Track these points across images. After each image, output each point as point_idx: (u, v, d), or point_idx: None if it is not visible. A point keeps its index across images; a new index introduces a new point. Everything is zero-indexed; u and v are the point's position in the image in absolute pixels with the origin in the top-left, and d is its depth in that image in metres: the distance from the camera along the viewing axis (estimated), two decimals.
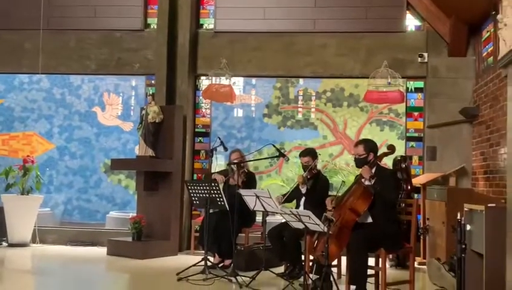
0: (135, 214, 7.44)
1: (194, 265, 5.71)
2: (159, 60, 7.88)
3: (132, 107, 10.02)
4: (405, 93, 7.64)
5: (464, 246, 4.36)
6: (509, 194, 3.98)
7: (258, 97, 9.38)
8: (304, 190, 5.78)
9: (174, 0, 7.95)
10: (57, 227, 8.77)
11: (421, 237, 6.68)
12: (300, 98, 9.14)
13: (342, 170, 8.74)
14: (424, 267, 6.26)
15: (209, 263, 5.68)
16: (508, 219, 3.91)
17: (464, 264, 4.36)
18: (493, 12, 5.51)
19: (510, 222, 3.86)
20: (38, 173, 8.14)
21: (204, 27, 8.28)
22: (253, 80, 9.21)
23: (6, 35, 8.43)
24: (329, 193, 5.86)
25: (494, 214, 4.13)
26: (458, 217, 4.44)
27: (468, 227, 4.43)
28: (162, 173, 7.34)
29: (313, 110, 9.18)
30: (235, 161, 6.22)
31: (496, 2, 4.89)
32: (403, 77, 7.50)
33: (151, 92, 7.93)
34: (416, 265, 6.02)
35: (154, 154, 7.38)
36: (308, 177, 5.76)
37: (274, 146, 5.94)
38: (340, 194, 5.04)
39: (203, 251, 5.82)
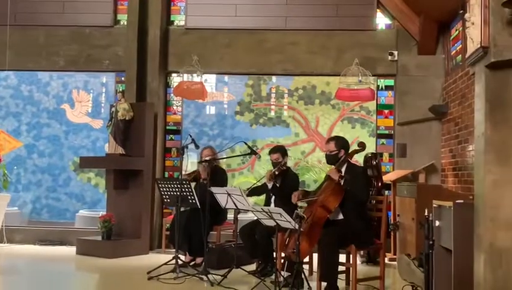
0: (105, 213, 7.33)
1: (165, 264, 5.65)
2: (129, 57, 7.79)
3: (102, 105, 9.89)
4: (376, 91, 7.70)
5: (431, 242, 4.41)
6: (476, 190, 4.04)
7: (230, 94, 9.35)
8: (270, 186, 5.75)
9: None
10: (25, 226, 8.62)
11: (392, 233, 6.75)
12: (272, 95, 9.15)
13: (314, 167, 8.78)
14: (395, 263, 6.33)
15: (180, 262, 5.63)
16: (476, 214, 3.97)
17: (431, 260, 4.41)
18: (461, 11, 5.60)
19: (477, 217, 3.92)
20: (6, 172, 7.95)
21: (175, 24, 8.20)
22: (226, 77, 9.18)
23: None
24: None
25: (462, 210, 4.18)
26: (426, 214, 4.49)
27: (437, 223, 4.49)
28: (132, 171, 7.26)
29: (285, 107, 9.20)
30: (206, 158, 6.19)
31: (464, 0, 4.95)
32: (373, 75, 7.55)
33: (121, 89, 7.84)
34: (386, 261, 6.08)
35: (124, 152, 7.29)
36: (277, 173, 5.75)
37: (246, 143, 5.93)
38: (308, 189, 5.05)
39: (174, 249, 5.76)
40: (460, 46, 6.71)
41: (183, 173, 5.96)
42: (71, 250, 7.23)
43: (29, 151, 9.77)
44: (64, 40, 8.17)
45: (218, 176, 6.33)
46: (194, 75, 7.79)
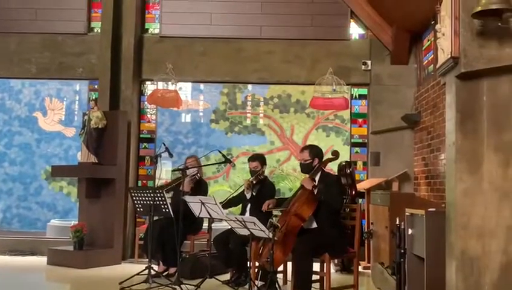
0: (77, 222, 7.22)
1: (138, 274, 5.57)
2: (103, 65, 7.71)
3: (75, 113, 9.77)
4: (350, 100, 7.77)
5: (402, 250, 4.44)
6: (448, 198, 4.09)
7: (205, 103, 9.33)
8: (248, 196, 5.74)
9: (118, 4, 7.79)
10: None
11: (366, 242, 6.78)
12: (248, 103, 9.15)
13: (289, 176, 8.80)
14: (369, 271, 6.36)
15: (153, 272, 5.56)
16: (447, 222, 4.00)
17: (403, 269, 4.44)
18: (432, 22, 5.68)
19: (449, 225, 3.96)
20: None
21: (149, 32, 8.15)
22: (201, 86, 9.15)
23: None
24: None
25: (434, 218, 4.21)
26: (397, 222, 4.52)
27: (409, 231, 4.52)
28: (105, 179, 7.17)
29: (260, 116, 9.21)
30: (188, 167, 6.12)
31: (435, 12, 5.03)
32: (347, 84, 7.62)
33: (94, 97, 7.75)
34: (360, 269, 6.11)
35: (97, 161, 7.20)
36: (254, 182, 5.74)
37: (220, 152, 5.89)
38: (283, 197, 5.05)
39: (147, 259, 5.70)
40: (432, 56, 6.81)
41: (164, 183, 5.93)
42: (42, 260, 7.09)
43: (0, 159, 9.58)
44: (37, 47, 8.05)
45: (201, 189, 6.29)
46: (169, 83, 7.74)
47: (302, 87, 8.61)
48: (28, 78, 8.67)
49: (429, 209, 4.32)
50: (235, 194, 5.98)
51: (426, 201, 6.32)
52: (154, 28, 8.16)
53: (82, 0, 8.11)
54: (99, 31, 7.96)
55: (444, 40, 3.84)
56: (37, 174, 9.66)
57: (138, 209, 5.83)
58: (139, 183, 7.93)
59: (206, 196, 6.24)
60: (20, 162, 9.61)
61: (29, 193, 9.63)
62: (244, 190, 5.81)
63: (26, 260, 7.30)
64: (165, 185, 6.18)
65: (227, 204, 5.87)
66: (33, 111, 9.64)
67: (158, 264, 6.21)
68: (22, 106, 9.63)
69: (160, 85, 7.86)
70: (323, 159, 5.19)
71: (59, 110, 9.75)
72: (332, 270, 5.79)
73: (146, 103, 8.02)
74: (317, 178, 5.02)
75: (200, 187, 6.34)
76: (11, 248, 7.69)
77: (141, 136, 8.04)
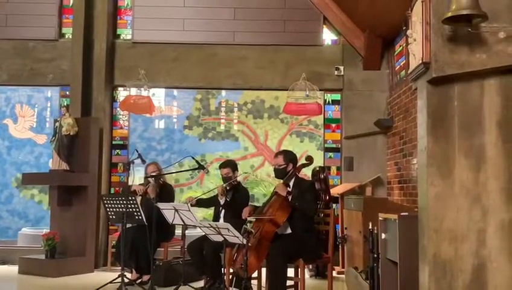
0: (48, 231, 7.09)
1: (111, 282, 5.50)
2: (74, 71, 7.61)
3: (47, 119, 9.61)
4: (323, 105, 7.81)
5: (376, 255, 4.45)
6: (420, 203, 4.12)
7: (178, 109, 9.27)
8: (222, 201, 5.72)
9: (89, 10, 7.72)
10: None
11: (340, 247, 6.81)
12: (222, 109, 9.13)
13: (263, 181, 8.79)
14: (343, 276, 6.38)
15: (126, 280, 5.48)
16: (420, 226, 4.04)
17: (376, 273, 4.46)
18: (404, 28, 5.75)
19: (422, 229, 3.99)
20: None
21: (121, 37, 8.08)
22: (175, 92, 9.09)
23: None
24: (249, 204, 5.83)
25: (406, 222, 4.24)
26: (370, 227, 4.54)
27: (383, 236, 4.54)
28: (77, 187, 7.07)
29: (234, 121, 9.19)
30: (152, 174, 6.10)
31: (407, 17, 5.09)
32: (320, 90, 7.65)
33: (65, 104, 7.65)
34: (335, 274, 6.13)
35: (68, 168, 7.09)
36: (228, 188, 5.72)
37: (193, 158, 5.86)
38: (257, 204, 5.04)
39: (120, 267, 5.62)
40: (404, 61, 6.89)
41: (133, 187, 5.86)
42: (13, 269, 6.98)
43: None
44: (7, 53, 7.92)
45: (166, 192, 6.24)
46: (142, 89, 7.67)
47: (276, 92, 8.62)
48: None
49: (402, 214, 4.35)
50: (206, 196, 5.95)
51: (399, 205, 6.38)
52: (126, 34, 8.09)
53: (53, 6, 8.02)
54: (70, 37, 7.87)
55: (416, 46, 3.88)
56: (8, 182, 9.48)
57: (111, 217, 5.75)
58: (112, 191, 7.83)
59: (172, 198, 6.22)
60: None
61: (0, 201, 9.43)
62: (217, 195, 5.78)
63: None
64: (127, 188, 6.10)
65: (197, 203, 5.83)
66: (3, 118, 9.46)
67: (131, 272, 6.14)
68: None
69: (133, 91, 7.79)
70: (298, 165, 5.19)
71: (30, 117, 9.59)
72: (306, 275, 5.80)
73: (118, 109, 7.94)
74: (291, 183, 5.03)
75: (166, 191, 6.30)
76: None
77: (114, 142, 7.95)
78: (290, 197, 4.82)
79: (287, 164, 5.10)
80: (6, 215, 9.44)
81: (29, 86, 8.79)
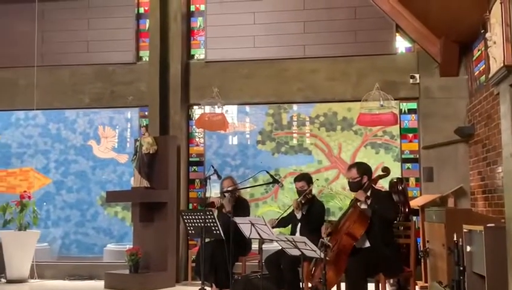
0: (132, 246, 7.35)
1: None
2: (152, 92, 7.90)
3: (127, 139, 10.00)
4: (398, 115, 7.62)
5: (462, 268, 4.28)
6: (507, 213, 3.93)
7: (251, 124, 9.38)
8: (299, 216, 5.70)
9: (165, 32, 8.00)
10: (55, 262, 8.69)
11: (422, 261, 6.57)
12: (294, 123, 9.13)
13: (339, 194, 8.68)
14: None
15: None
16: (508, 238, 3.84)
17: (463, 287, 4.27)
18: (482, 31, 5.54)
19: (510, 241, 3.80)
20: (35, 208, 8.10)
21: (195, 58, 8.31)
22: (247, 108, 9.21)
23: (1, 73, 8.48)
24: (326, 218, 5.79)
25: (493, 234, 4.07)
26: (455, 239, 4.37)
27: (468, 248, 4.36)
28: (157, 203, 7.28)
29: (307, 135, 9.16)
30: (228, 189, 6.18)
31: (484, 20, 4.90)
32: (395, 99, 7.48)
33: (144, 124, 7.94)
34: (418, 289, 5.91)
35: (149, 185, 7.34)
36: (303, 202, 5.69)
37: (268, 172, 5.90)
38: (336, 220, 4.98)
39: (200, 282, 5.71)
40: (484, 66, 6.62)
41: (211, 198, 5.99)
42: (100, 284, 7.23)
43: (57, 187, 9.91)
44: (89, 78, 8.34)
45: (242, 207, 6.31)
46: (215, 106, 7.84)
47: (348, 104, 8.53)
48: (82, 108, 8.96)
49: (488, 225, 4.17)
50: (285, 215, 5.95)
51: (484, 217, 6.09)
52: (199, 54, 8.32)
53: (130, 31, 8.38)
54: (147, 59, 8.18)
55: (496, 49, 3.74)
56: (93, 200, 9.92)
57: (190, 232, 5.88)
58: (190, 206, 8.01)
59: (249, 212, 6.26)
60: (76, 190, 9.90)
61: (86, 219, 9.89)
62: (293, 210, 5.77)
63: (85, 284, 7.48)
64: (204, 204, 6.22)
65: (278, 224, 5.84)
66: (87, 140, 9.95)
67: (211, 286, 6.21)
68: (76, 135, 9.95)
69: (207, 109, 7.97)
70: (374, 176, 5.09)
71: (112, 138, 10.02)
72: None
73: (194, 127, 8.15)
74: (368, 194, 4.93)
75: (242, 205, 6.36)
76: (70, 273, 7.92)
77: (190, 159, 8.15)
78: (369, 202, 4.74)
79: (362, 176, 5.02)
80: (92, 232, 9.87)
81: (110, 108, 9.19)
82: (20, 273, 7.66)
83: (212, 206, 6.13)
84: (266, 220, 5.17)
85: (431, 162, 7.43)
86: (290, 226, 6.01)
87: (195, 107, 8.20)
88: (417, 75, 7.55)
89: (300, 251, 4.56)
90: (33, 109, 8.40)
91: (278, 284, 5.68)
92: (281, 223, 6.00)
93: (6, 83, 8.45)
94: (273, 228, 5.41)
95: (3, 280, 7.69)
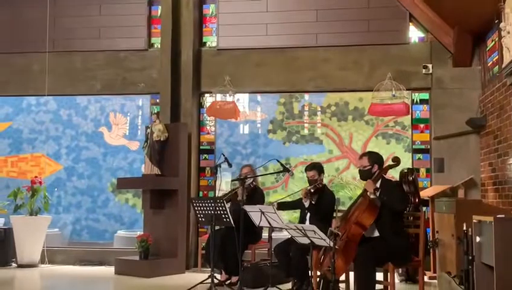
0: (142, 233, 7.41)
1: (201, 283, 5.67)
2: (163, 79, 7.92)
3: (138, 126, 10.04)
4: (410, 105, 7.59)
5: (470, 257, 4.27)
6: None
7: (262, 113, 9.37)
8: (306, 204, 5.71)
9: (177, 19, 8.01)
10: (65, 247, 8.77)
11: (431, 251, 6.57)
12: (305, 113, 9.11)
13: (349, 184, 8.67)
14: (435, 281, 6.16)
15: (215, 281, 5.62)
16: None
17: (472, 277, 4.27)
18: (496, 21, 5.48)
19: None
20: (46, 194, 8.17)
21: (207, 45, 8.31)
22: (258, 96, 9.20)
23: (13, 59, 8.54)
24: (336, 208, 5.79)
25: (503, 225, 4.05)
26: (464, 229, 4.36)
27: (477, 239, 4.36)
28: (168, 190, 7.33)
29: (318, 124, 9.14)
30: (241, 177, 6.18)
31: (499, 10, 4.86)
32: (407, 89, 7.45)
33: (155, 111, 7.97)
34: (426, 279, 5.93)
35: (159, 173, 7.38)
36: (313, 191, 5.70)
37: (278, 161, 5.91)
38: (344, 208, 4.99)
39: (210, 269, 5.76)
40: (497, 57, 6.55)
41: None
42: (110, 270, 7.32)
43: (69, 173, 9.99)
44: (101, 64, 8.38)
45: (257, 197, 6.33)
46: (227, 95, 7.85)
47: (360, 94, 8.49)
48: (93, 95, 9.01)
49: (498, 216, 4.15)
50: (287, 199, 5.97)
51: (494, 208, 6.07)
52: (211, 41, 8.31)
53: (142, 17, 8.40)
54: (158, 46, 8.19)
55: (509, 39, 3.71)
56: (104, 187, 9.98)
57: (200, 219, 5.92)
58: (200, 194, 8.05)
59: (263, 203, 6.27)
60: (87, 176, 9.97)
61: (97, 205, 9.96)
62: (301, 198, 5.78)
63: (95, 270, 7.56)
64: (222, 195, 6.26)
65: (279, 206, 5.85)
66: (99, 126, 9.99)
67: (220, 273, 6.27)
68: (88, 121, 9.99)
69: (219, 97, 7.99)
70: (384, 166, 5.09)
71: (123, 125, 10.05)
72: (396, 280, 5.65)
73: (205, 115, 8.17)
74: (378, 185, 4.93)
75: (255, 195, 6.37)
76: (81, 258, 8.02)
77: (201, 147, 8.18)
78: (378, 193, 4.74)
79: (372, 165, 5.02)
80: (103, 218, 9.95)
81: (121, 95, 9.23)
82: (30, 258, 7.76)
83: (235, 197, 6.18)
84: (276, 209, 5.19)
85: (442, 153, 7.41)
86: (298, 214, 6.03)
87: (206, 95, 8.21)
88: (430, 65, 7.51)
89: (310, 239, 4.58)
90: (45, 95, 8.45)
91: (287, 272, 5.71)
92: (282, 207, 6.04)
93: (18, 69, 8.52)
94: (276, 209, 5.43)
95: (14, 265, 7.81)
